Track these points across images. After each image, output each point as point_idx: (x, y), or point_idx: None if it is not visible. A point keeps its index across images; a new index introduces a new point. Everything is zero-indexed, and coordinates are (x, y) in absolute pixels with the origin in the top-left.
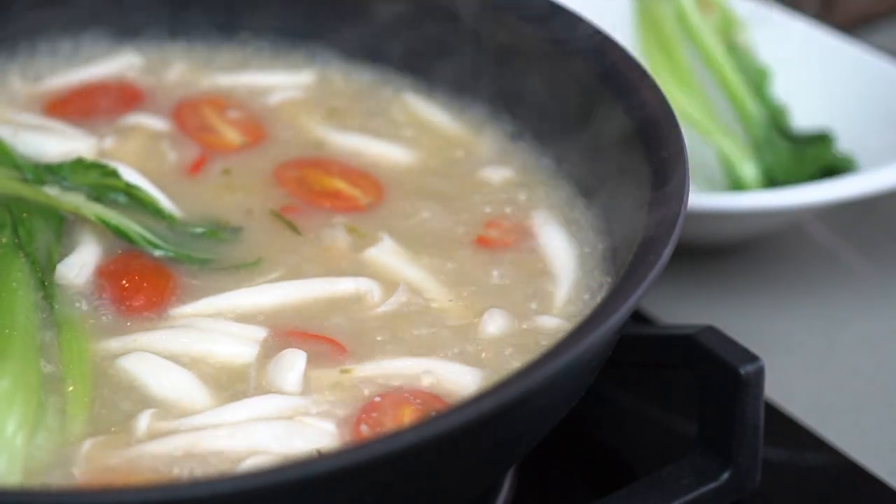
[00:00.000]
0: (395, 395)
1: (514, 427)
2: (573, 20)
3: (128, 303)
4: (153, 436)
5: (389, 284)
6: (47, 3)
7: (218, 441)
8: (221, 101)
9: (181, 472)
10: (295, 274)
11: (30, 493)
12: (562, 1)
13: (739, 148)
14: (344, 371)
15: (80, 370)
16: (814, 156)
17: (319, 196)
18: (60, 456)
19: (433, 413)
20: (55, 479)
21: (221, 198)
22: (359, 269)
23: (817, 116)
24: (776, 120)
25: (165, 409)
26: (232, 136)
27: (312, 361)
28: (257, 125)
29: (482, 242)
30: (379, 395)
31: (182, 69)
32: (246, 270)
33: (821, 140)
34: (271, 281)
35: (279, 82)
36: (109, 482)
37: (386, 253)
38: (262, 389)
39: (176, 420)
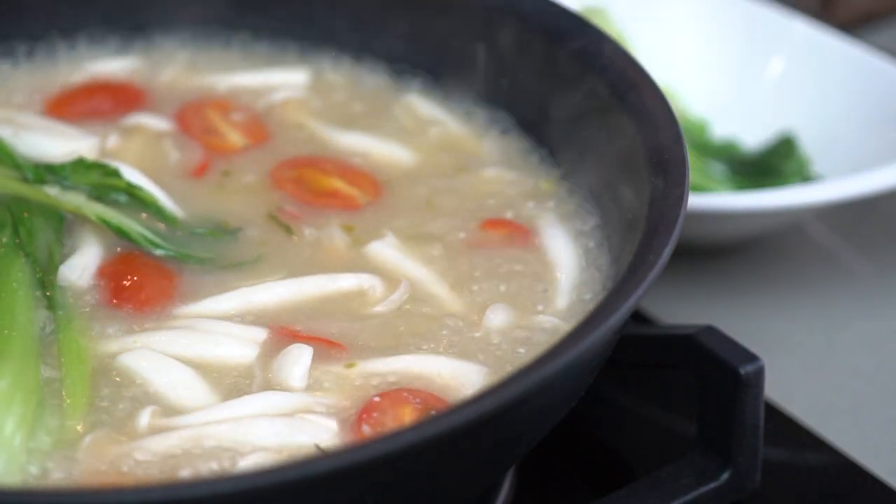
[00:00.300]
0: (395, 394)
1: (514, 427)
2: (574, 22)
3: (129, 303)
4: (154, 433)
5: (391, 281)
6: (48, 3)
7: (219, 437)
8: (225, 104)
9: (182, 469)
10: (296, 273)
11: (29, 492)
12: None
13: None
14: (346, 367)
15: (79, 370)
16: (769, 172)
17: (317, 196)
18: (60, 455)
19: (433, 413)
20: (54, 479)
21: (222, 198)
22: (360, 267)
23: (817, 116)
24: (729, 153)
25: (166, 407)
26: (235, 138)
27: (314, 359)
28: (260, 127)
29: (483, 242)
30: (378, 395)
31: (183, 69)
32: (247, 269)
33: (773, 154)
34: (273, 279)
35: (281, 82)
36: (109, 481)
37: (389, 248)
38: (265, 387)
39: (177, 417)
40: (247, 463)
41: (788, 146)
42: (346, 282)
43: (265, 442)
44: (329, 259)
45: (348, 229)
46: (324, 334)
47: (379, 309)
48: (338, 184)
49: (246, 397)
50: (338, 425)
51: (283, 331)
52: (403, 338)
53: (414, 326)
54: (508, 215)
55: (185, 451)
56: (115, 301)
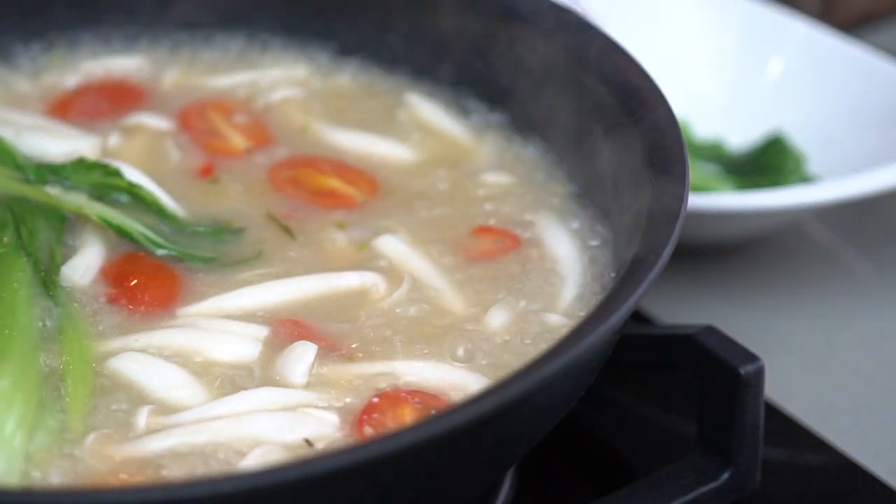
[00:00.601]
0: (394, 395)
1: (514, 427)
2: (575, 23)
3: (132, 302)
4: (153, 431)
5: (394, 279)
6: (49, 3)
7: (220, 433)
8: (227, 105)
9: (184, 466)
10: (297, 272)
11: (28, 493)
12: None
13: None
14: (347, 366)
15: (81, 370)
16: (765, 171)
17: (315, 195)
18: (60, 455)
19: (433, 412)
20: (54, 479)
21: (222, 198)
22: (361, 265)
23: (817, 116)
24: (715, 153)
25: (166, 406)
26: (237, 140)
27: (316, 356)
28: (262, 129)
29: (479, 244)
30: (377, 396)
31: (184, 68)
32: (249, 268)
33: (765, 153)
34: (275, 278)
35: (281, 82)
36: (109, 481)
37: (398, 243)
38: (267, 384)
39: (176, 414)
40: (249, 458)
41: (779, 145)
42: (350, 279)
43: (267, 436)
44: (330, 258)
45: (340, 225)
46: (327, 332)
47: (381, 306)
48: (335, 183)
49: (245, 393)
50: (339, 420)
51: (286, 329)
52: (405, 336)
53: (415, 325)
54: (508, 216)
55: (186, 448)
56: (117, 301)
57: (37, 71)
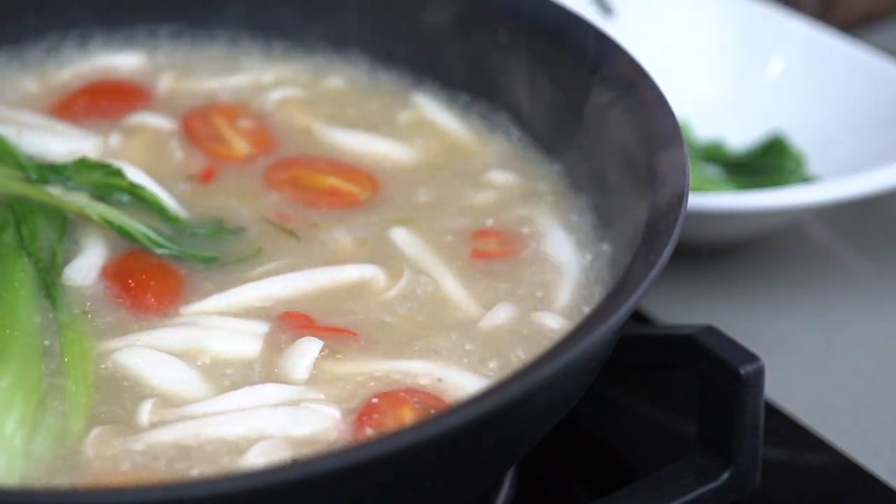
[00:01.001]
0: (392, 395)
1: (514, 427)
2: (575, 22)
3: (133, 302)
4: (155, 427)
5: (394, 271)
6: (51, 3)
7: (222, 429)
8: (232, 109)
9: (186, 462)
10: (298, 269)
11: (28, 492)
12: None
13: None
14: (348, 362)
15: (81, 370)
16: (765, 172)
17: (317, 194)
18: (60, 455)
19: (433, 412)
20: (54, 479)
21: (223, 199)
22: (363, 261)
23: (817, 116)
24: (715, 154)
25: (167, 401)
26: (240, 146)
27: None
28: (265, 134)
29: (482, 250)
30: (377, 397)
31: (185, 68)
32: (250, 267)
33: (766, 154)
34: (276, 275)
35: (284, 84)
36: (110, 481)
37: (409, 236)
38: (269, 380)
39: (178, 410)
40: (252, 453)
41: (779, 145)
42: (349, 272)
43: (270, 432)
44: (332, 256)
45: (314, 223)
46: (328, 328)
47: (382, 300)
48: (334, 181)
49: (246, 388)
50: (341, 416)
51: (287, 324)
52: (405, 335)
53: (416, 324)
54: (509, 216)
55: (188, 444)
56: (119, 301)
57: (39, 70)
